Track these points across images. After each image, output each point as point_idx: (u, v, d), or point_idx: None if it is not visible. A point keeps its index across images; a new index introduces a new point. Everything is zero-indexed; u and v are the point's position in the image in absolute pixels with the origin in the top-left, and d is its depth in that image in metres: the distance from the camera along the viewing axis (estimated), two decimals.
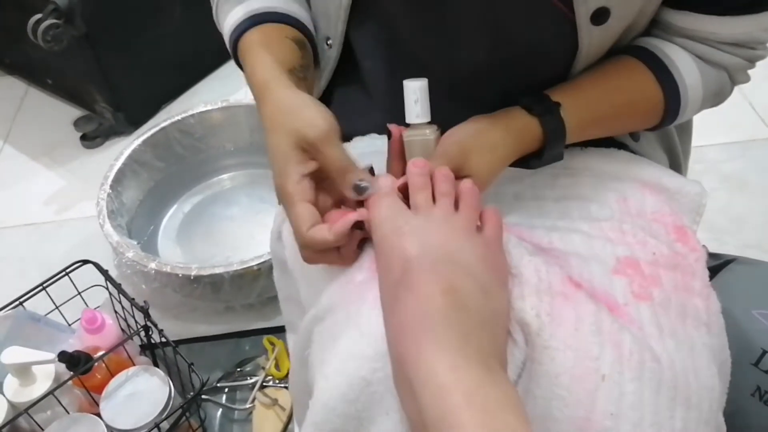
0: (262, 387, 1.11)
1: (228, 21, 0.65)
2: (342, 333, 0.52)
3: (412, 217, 0.51)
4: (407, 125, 0.57)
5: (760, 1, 0.57)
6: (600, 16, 0.56)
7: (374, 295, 0.52)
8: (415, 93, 0.55)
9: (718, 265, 0.95)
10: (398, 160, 0.58)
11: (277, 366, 1.14)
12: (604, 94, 0.61)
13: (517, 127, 0.58)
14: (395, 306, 0.47)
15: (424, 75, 0.57)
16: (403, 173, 0.56)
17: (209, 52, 1.79)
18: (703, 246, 1.04)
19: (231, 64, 1.86)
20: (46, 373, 0.97)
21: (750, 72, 0.65)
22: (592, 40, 0.58)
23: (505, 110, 0.59)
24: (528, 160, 0.60)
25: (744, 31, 0.59)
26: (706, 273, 0.60)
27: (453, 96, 0.62)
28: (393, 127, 0.58)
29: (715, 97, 0.64)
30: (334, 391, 0.49)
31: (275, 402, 1.08)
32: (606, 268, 0.57)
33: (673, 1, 0.59)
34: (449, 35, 0.61)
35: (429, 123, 0.57)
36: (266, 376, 1.13)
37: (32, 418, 0.91)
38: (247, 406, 1.10)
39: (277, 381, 1.13)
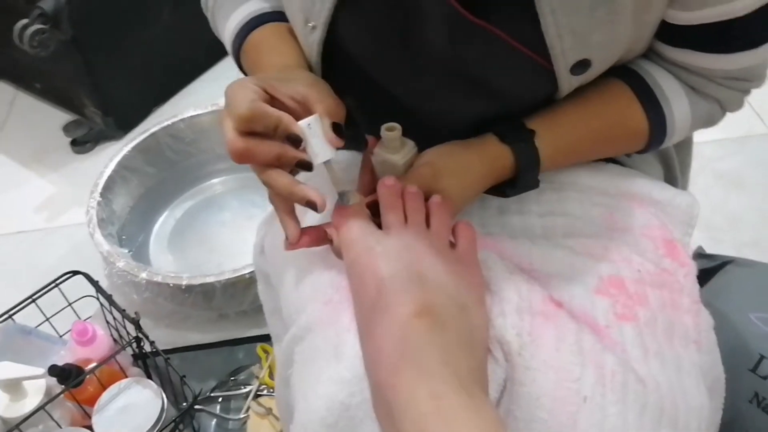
0: (256, 396, 1.10)
1: (228, 25, 0.65)
2: (319, 355, 0.51)
3: (383, 237, 0.50)
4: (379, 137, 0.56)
5: (762, 37, 0.53)
6: (580, 67, 0.53)
7: (350, 316, 0.52)
8: (303, 134, 0.49)
9: (714, 267, 0.94)
10: (368, 172, 0.58)
11: (271, 375, 1.13)
12: (583, 121, 0.59)
13: (490, 155, 0.57)
14: (372, 329, 0.47)
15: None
16: (371, 186, 0.56)
17: (198, 55, 1.77)
18: (699, 246, 1.04)
19: (221, 66, 1.87)
20: (37, 388, 0.96)
21: None
22: (572, 85, 0.56)
23: (480, 137, 0.58)
24: (502, 188, 0.59)
25: (743, 66, 0.55)
26: (696, 288, 0.58)
27: (428, 125, 0.59)
28: (370, 138, 0.57)
29: (705, 124, 0.62)
30: (313, 415, 0.49)
31: (269, 411, 1.07)
32: (588, 289, 0.56)
33: (671, 39, 0.56)
34: (423, 85, 0.58)
35: (403, 141, 0.55)
36: (260, 384, 1.12)
37: None
38: (242, 415, 1.09)
39: (271, 390, 1.11)
